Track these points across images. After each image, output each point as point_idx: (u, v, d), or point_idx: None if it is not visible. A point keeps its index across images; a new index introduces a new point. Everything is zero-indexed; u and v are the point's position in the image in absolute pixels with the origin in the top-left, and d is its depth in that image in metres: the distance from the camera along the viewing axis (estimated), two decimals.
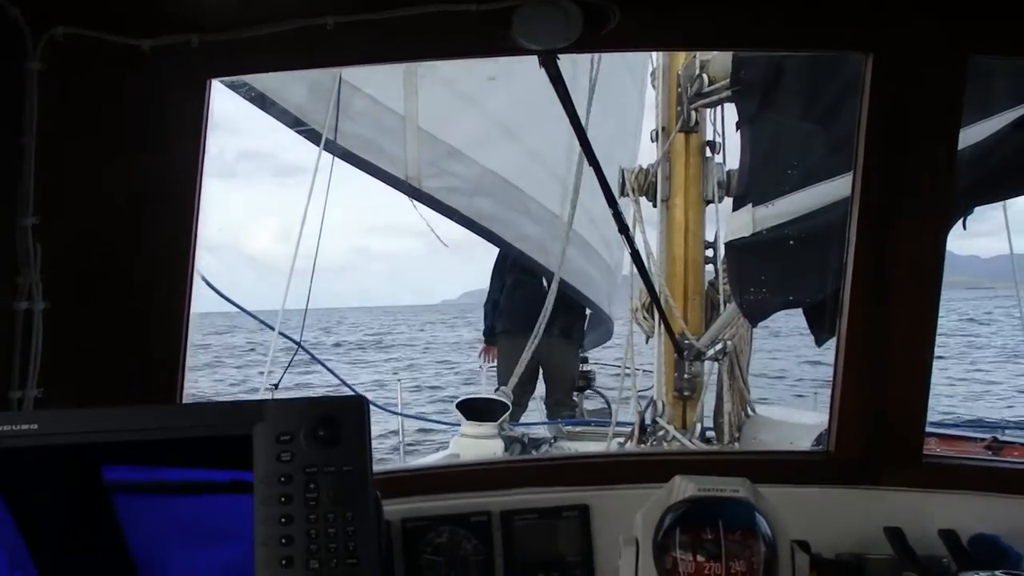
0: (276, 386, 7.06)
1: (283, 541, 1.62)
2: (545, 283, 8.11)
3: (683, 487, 1.73)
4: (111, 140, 2.25)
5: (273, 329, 6.74)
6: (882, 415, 2.45)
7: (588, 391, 9.43)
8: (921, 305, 2.40)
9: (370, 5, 2.15)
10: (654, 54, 6.73)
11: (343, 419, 1.70)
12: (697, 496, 1.71)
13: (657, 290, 5.92)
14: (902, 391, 2.44)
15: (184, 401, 2.42)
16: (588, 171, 7.62)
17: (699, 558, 1.62)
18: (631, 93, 9.36)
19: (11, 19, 1.99)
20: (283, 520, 1.62)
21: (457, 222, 8.13)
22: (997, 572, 1.84)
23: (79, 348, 2.24)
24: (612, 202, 4.51)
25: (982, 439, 6.12)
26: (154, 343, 2.34)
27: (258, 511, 1.63)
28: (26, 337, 2.12)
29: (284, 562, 1.60)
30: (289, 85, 6.97)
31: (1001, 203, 4.93)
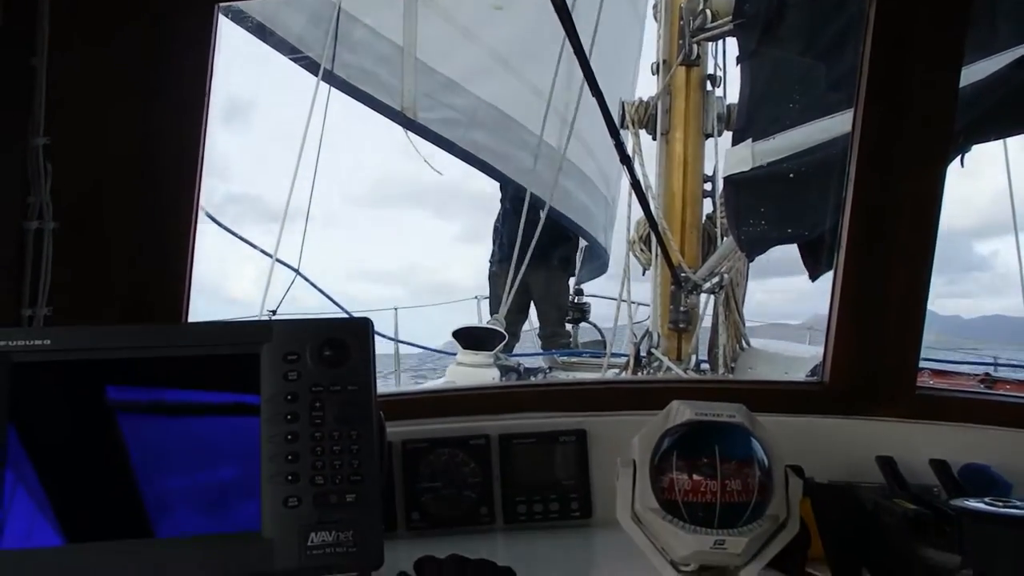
0: (274, 312, 7.09)
1: (289, 458, 1.64)
2: (542, 215, 8.11)
3: (680, 411, 1.76)
4: (120, 63, 2.25)
5: (271, 256, 6.76)
6: (877, 347, 2.48)
7: (583, 323, 9.48)
8: (918, 240, 2.42)
9: None
10: None
11: (349, 340, 1.73)
12: (694, 420, 1.74)
13: (656, 224, 5.92)
14: (897, 324, 2.47)
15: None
16: (585, 104, 7.64)
17: (695, 477, 1.65)
18: (632, 25, 9.28)
19: None
20: (289, 437, 1.65)
21: (452, 154, 8.10)
22: (986, 499, 1.88)
23: (88, 268, 2.26)
24: (614, 132, 4.50)
25: (975, 375, 6.18)
26: (161, 265, 2.36)
27: (264, 428, 1.66)
28: (36, 256, 2.14)
29: (290, 477, 1.63)
30: (288, 15, 6.92)
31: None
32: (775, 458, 1.74)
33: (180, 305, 2.37)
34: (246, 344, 1.71)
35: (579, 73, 7.21)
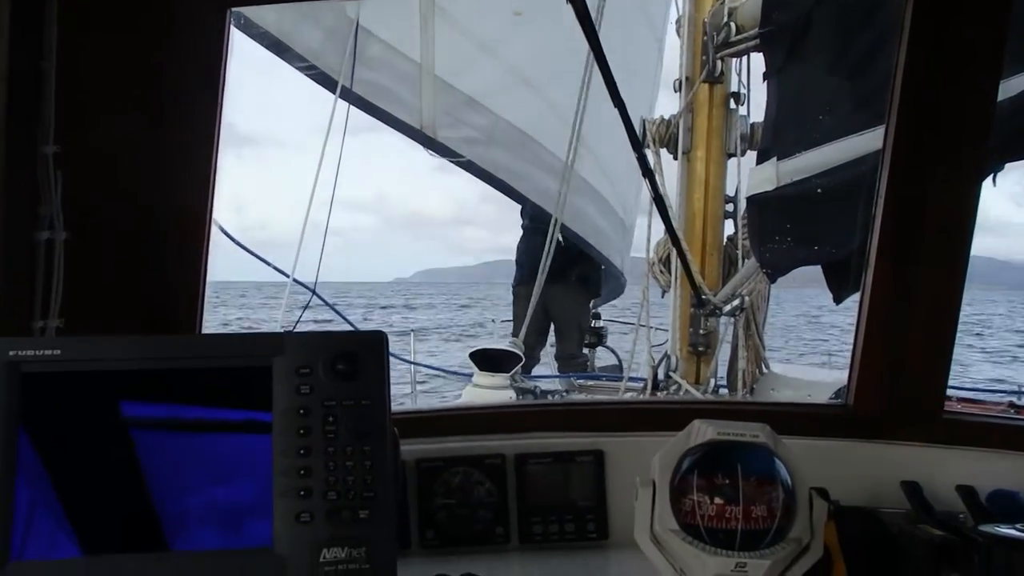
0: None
1: (301, 472, 1.62)
2: (560, 236, 8.10)
3: (702, 431, 1.72)
4: (131, 69, 2.23)
5: (288, 276, 6.78)
6: (904, 371, 2.43)
7: (600, 347, 9.44)
8: (949, 261, 2.37)
9: None
10: (680, 1, 6.65)
11: (362, 354, 1.70)
12: (716, 440, 1.70)
13: (678, 240, 5.88)
14: (925, 347, 2.41)
15: None
16: (600, 122, 7.61)
17: (717, 500, 1.61)
18: (649, 44, 9.27)
19: None
20: (302, 452, 1.63)
21: (472, 173, 8.10)
22: (1017, 525, 1.83)
23: (100, 279, 2.23)
24: (636, 146, 4.46)
25: (1000, 403, 6.13)
26: (174, 276, 2.33)
27: (277, 443, 1.63)
28: (47, 267, 2.11)
29: (302, 493, 1.61)
30: (304, 29, 6.93)
31: None
32: (799, 480, 1.69)
33: (194, 316, 2.35)
34: (258, 356, 1.69)
35: (596, 92, 7.24)
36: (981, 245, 2.47)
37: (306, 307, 7.18)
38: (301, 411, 1.65)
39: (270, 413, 1.66)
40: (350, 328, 8.35)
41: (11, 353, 1.63)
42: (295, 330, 6.85)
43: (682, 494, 1.67)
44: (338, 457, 1.63)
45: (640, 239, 7.06)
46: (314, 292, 7.35)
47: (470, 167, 7.97)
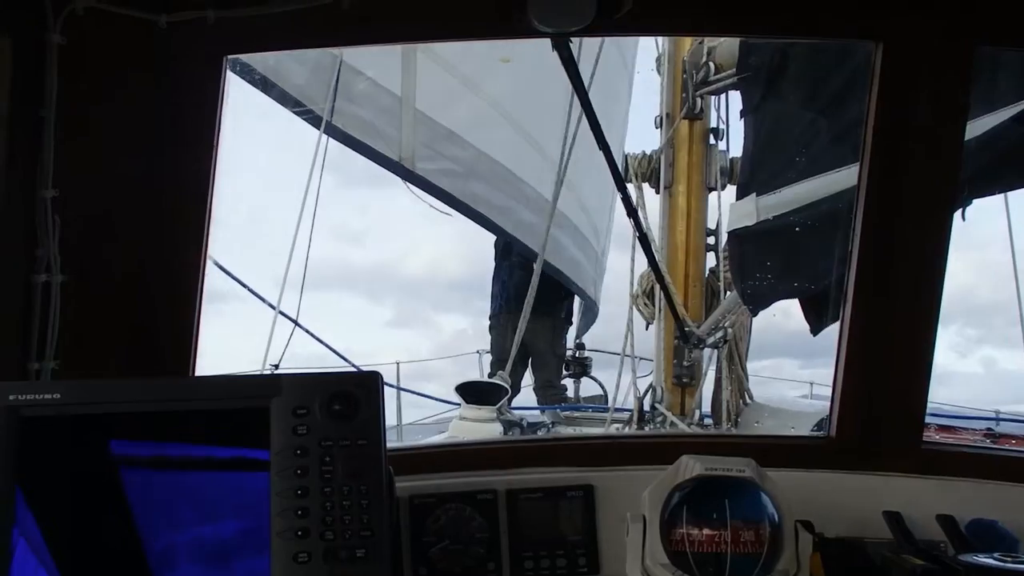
0: (276, 366, 7.08)
1: (299, 513, 1.64)
2: (536, 268, 8.11)
3: (690, 466, 1.76)
4: (128, 115, 2.26)
5: (274, 308, 6.77)
6: (883, 401, 2.47)
7: (584, 377, 9.44)
8: (924, 293, 2.43)
9: None
10: (659, 40, 6.72)
11: (358, 394, 1.73)
12: (704, 475, 1.74)
13: (662, 275, 5.93)
14: (903, 378, 2.46)
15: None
16: (578, 155, 7.65)
17: (706, 532, 1.65)
18: (622, 78, 9.33)
19: None
20: (299, 492, 1.65)
21: (450, 205, 8.08)
22: (995, 555, 1.87)
23: (95, 320, 2.25)
24: (621, 186, 4.52)
25: (978, 430, 6.16)
26: (168, 317, 2.36)
27: (274, 483, 1.65)
28: (44, 309, 2.14)
29: (300, 533, 1.63)
30: (290, 67, 6.94)
31: None
32: (785, 513, 1.73)
33: (188, 356, 2.37)
34: (256, 398, 1.71)
35: (573, 125, 7.29)
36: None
37: (287, 344, 7.16)
38: (298, 451, 1.67)
39: (264, 451, 1.68)
40: (342, 360, 8.38)
41: (11, 397, 1.64)
42: (280, 364, 6.89)
43: (672, 528, 1.70)
44: (335, 497, 1.65)
45: (618, 268, 7.07)
46: (296, 323, 7.32)
47: (450, 199, 7.97)
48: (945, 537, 2.16)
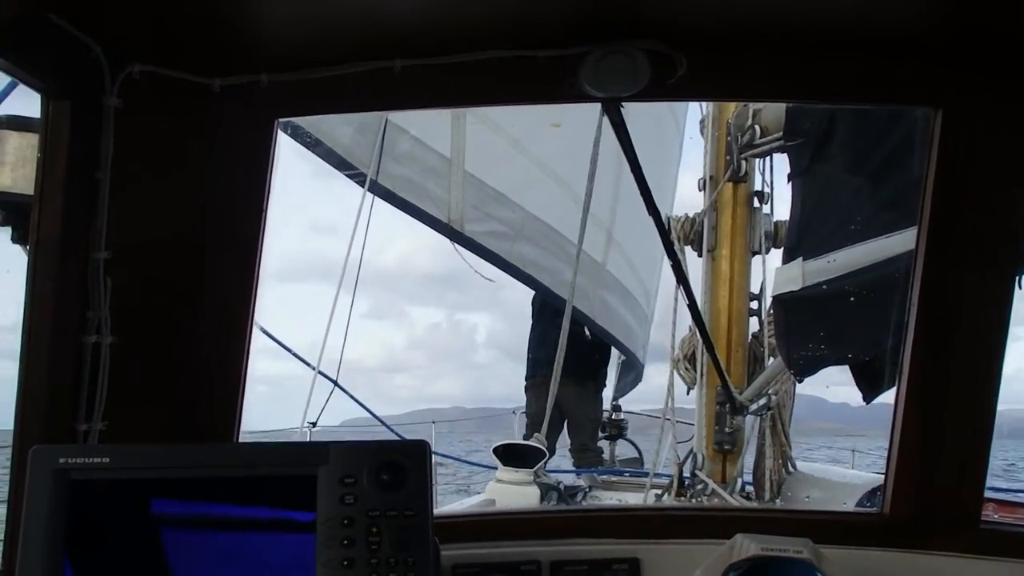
0: (314, 424, 7.10)
1: None
2: (587, 332, 8.07)
3: (745, 546, 1.72)
4: (181, 177, 2.29)
5: (314, 369, 6.81)
6: (940, 476, 2.40)
7: (620, 439, 9.36)
8: (985, 361, 2.36)
9: (437, 49, 2.17)
10: (704, 102, 6.72)
11: (406, 463, 1.71)
12: (760, 555, 1.69)
13: (711, 343, 5.86)
14: (962, 452, 2.39)
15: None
16: (625, 218, 7.61)
17: None
18: (674, 140, 9.36)
19: (93, 56, 2.03)
20: (345, 563, 1.63)
21: (498, 267, 8.09)
22: None
23: (143, 382, 2.26)
24: (671, 252, 4.48)
25: None
26: (215, 381, 2.36)
27: (320, 552, 1.63)
28: (93, 370, 2.14)
29: None
30: (335, 126, 7.02)
31: None
32: None
33: (234, 418, 2.36)
34: (304, 466, 1.70)
35: (622, 187, 7.28)
36: None
37: (325, 404, 7.18)
38: (345, 521, 1.65)
39: (309, 513, 1.66)
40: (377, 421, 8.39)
41: (61, 460, 1.64)
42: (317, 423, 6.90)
43: None
44: (381, 568, 1.63)
45: (663, 330, 7.00)
46: (336, 384, 7.34)
47: (498, 261, 7.97)
48: None
